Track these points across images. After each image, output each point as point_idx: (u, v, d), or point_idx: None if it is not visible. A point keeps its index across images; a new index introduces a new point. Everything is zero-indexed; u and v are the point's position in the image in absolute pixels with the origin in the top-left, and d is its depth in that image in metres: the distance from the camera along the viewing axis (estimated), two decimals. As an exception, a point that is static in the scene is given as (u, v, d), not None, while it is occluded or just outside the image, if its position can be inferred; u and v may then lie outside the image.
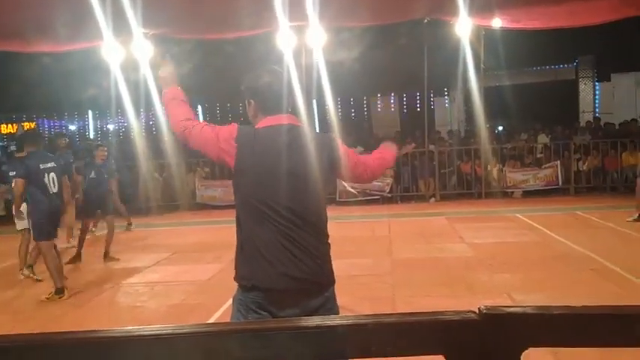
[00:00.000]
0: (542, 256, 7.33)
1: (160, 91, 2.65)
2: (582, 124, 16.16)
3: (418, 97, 18.59)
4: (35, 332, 0.95)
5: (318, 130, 16.70)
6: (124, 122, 17.39)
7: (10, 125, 21.34)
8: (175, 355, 0.90)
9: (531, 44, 14.45)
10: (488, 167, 13.31)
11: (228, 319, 2.35)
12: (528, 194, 13.11)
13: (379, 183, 13.26)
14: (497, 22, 12.18)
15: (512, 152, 14.04)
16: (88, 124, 21.71)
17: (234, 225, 2.40)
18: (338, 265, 2.50)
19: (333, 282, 2.43)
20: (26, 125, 21.13)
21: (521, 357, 0.90)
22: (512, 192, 13.27)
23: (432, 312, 0.91)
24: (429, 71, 13.12)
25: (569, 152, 13.42)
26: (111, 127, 20.86)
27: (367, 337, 0.91)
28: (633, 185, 10.19)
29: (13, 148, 20.04)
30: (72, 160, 10.38)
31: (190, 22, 11.64)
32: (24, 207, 6.77)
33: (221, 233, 8.83)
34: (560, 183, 13.15)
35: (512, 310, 0.91)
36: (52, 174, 6.48)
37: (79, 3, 8.81)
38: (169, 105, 2.58)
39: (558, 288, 5.90)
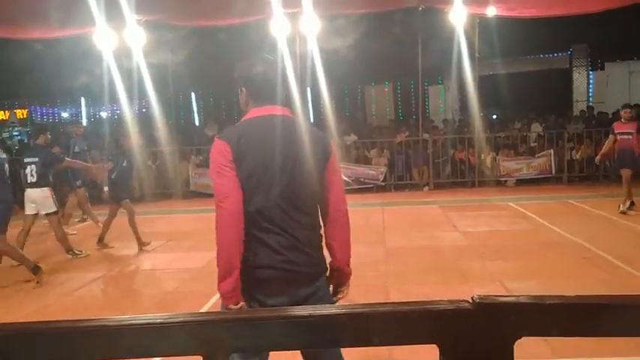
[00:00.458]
0: (534, 245, 7.37)
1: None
2: (576, 113, 16.20)
3: (412, 86, 18.58)
4: (25, 321, 0.94)
5: (312, 120, 16.75)
6: (116, 109, 17.27)
7: (1, 112, 21.19)
8: (167, 343, 0.89)
9: (526, 32, 14.44)
10: (482, 156, 13.33)
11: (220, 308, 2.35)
12: (521, 183, 13.15)
13: (373, 172, 13.28)
14: (491, 11, 12.15)
15: (506, 141, 14.06)
16: (80, 111, 21.58)
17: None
18: (331, 254, 2.48)
19: (324, 271, 2.42)
20: (18, 112, 20.99)
21: (515, 346, 0.90)
22: (506, 180, 13.30)
23: (426, 301, 0.91)
24: (424, 60, 13.09)
25: (563, 141, 13.45)
26: (104, 114, 20.73)
27: (361, 326, 0.91)
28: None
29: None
30: (86, 148, 10.38)
31: (183, 8, 11.57)
32: None
33: (215, 221, 8.79)
34: (554, 172, 13.19)
35: (505, 299, 0.91)
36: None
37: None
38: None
39: (550, 276, 5.95)
